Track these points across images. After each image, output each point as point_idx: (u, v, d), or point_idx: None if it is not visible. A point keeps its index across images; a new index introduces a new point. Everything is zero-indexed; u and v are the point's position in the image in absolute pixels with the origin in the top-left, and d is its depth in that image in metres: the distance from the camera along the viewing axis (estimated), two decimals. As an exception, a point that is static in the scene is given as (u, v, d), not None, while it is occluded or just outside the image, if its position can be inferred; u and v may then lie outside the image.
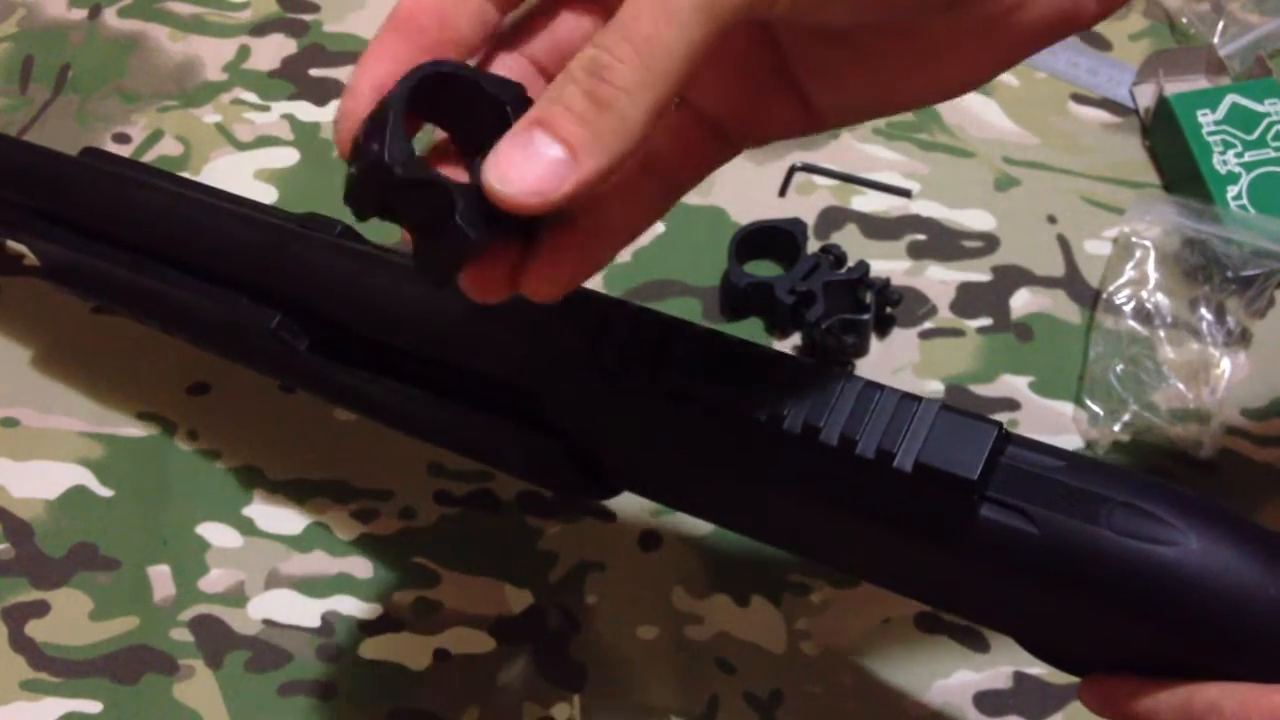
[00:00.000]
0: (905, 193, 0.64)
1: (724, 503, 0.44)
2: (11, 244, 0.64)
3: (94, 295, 0.57)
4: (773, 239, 0.61)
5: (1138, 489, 0.36)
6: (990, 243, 0.63)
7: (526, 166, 0.30)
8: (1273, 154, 0.62)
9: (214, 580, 0.55)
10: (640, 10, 0.30)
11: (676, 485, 0.45)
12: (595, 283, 0.48)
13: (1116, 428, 0.57)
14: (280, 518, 0.57)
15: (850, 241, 0.62)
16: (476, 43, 0.34)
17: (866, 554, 0.41)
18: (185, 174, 0.64)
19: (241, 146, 0.67)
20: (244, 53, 0.70)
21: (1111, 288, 0.60)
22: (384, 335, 0.48)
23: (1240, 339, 0.59)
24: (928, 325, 0.61)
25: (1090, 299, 0.61)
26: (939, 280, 0.62)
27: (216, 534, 0.56)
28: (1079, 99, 0.67)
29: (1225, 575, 0.35)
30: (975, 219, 0.63)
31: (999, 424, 0.37)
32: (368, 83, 0.32)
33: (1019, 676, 0.52)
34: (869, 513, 0.39)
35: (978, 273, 0.62)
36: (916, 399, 0.38)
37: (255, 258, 0.51)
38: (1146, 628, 0.36)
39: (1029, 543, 0.36)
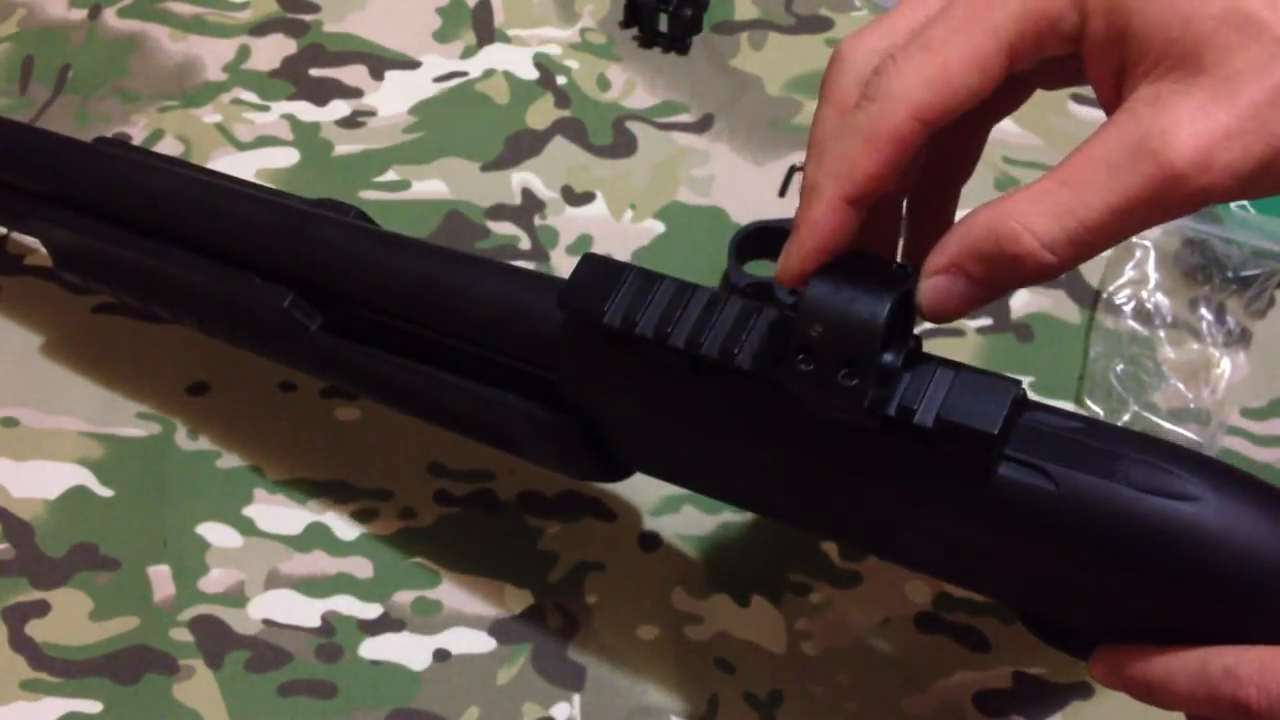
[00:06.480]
0: (905, 193, 0.64)
1: (737, 474, 0.44)
2: (12, 243, 0.64)
3: (105, 281, 0.56)
4: (773, 239, 0.61)
5: (1154, 449, 0.37)
6: (990, 243, 0.63)
7: (948, 298, 0.37)
8: (1273, 154, 0.62)
9: (214, 580, 0.55)
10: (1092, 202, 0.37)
11: (689, 458, 0.44)
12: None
13: (1116, 428, 0.57)
14: (280, 518, 0.57)
15: (850, 241, 0.62)
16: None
17: (881, 522, 0.41)
18: (185, 174, 0.64)
19: (242, 146, 0.67)
20: (244, 53, 0.70)
21: (1111, 288, 0.60)
22: (399, 310, 0.48)
23: (1240, 339, 0.59)
24: (927, 325, 0.60)
25: (1090, 299, 0.61)
26: (939, 280, 0.61)
27: (216, 534, 0.56)
28: (1079, 99, 0.67)
29: (1243, 532, 0.35)
30: (975, 219, 0.63)
31: (1018, 381, 0.37)
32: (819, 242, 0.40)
33: (1019, 676, 0.52)
34: (888, 474, 0.39)
35: (978, 273, 0.62)
36: (935, 358, 0.38)
37: (271, 237, 0.51)
38: (1163, 585, 0.36)
39: (1048, 499, 0.36)
